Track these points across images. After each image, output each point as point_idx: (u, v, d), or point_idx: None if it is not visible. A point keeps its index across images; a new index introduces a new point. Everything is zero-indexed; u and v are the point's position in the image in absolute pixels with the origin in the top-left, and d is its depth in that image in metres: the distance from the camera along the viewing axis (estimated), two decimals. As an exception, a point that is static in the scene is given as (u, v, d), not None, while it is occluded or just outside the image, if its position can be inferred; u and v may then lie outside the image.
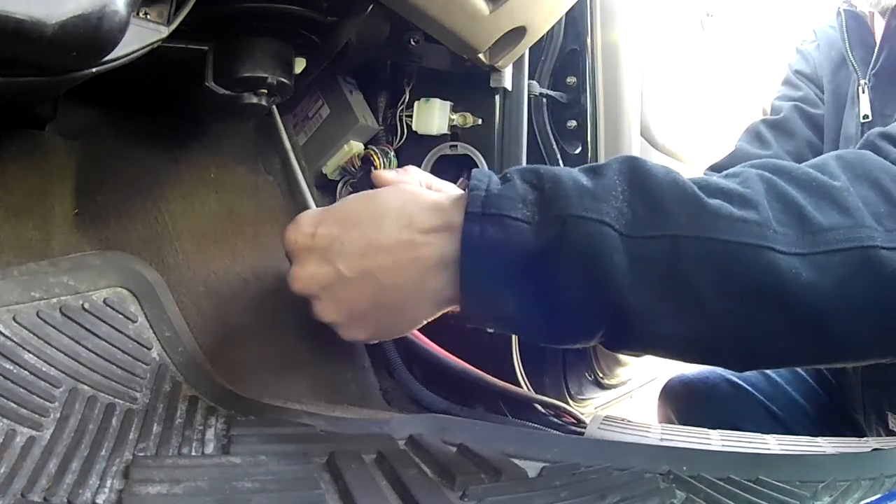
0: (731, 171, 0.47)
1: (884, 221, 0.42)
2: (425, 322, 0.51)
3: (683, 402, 1.03)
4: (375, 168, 0.86)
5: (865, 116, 0.86)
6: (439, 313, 0.51)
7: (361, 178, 0.89)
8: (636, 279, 0.42)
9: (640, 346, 0.46)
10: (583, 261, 0.42)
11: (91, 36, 0.40)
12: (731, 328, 0.43)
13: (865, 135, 0.51)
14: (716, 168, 0.97)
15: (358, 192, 0.89)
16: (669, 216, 0.42)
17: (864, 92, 0.87)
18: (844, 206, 0.42)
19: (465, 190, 0.47)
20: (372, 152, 0.87)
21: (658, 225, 0.42)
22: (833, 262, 0.41)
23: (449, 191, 0.60)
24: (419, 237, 0.47)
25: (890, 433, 0.85)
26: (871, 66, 0.86)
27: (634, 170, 0.44)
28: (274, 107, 0.69)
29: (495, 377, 0.82)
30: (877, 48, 0.86)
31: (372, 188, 0.55)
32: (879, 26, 0.86)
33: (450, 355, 0.80)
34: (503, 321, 0.47)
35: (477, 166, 0.85)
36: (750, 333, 0.43)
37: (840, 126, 0.92)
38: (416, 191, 0.50)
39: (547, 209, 0.43)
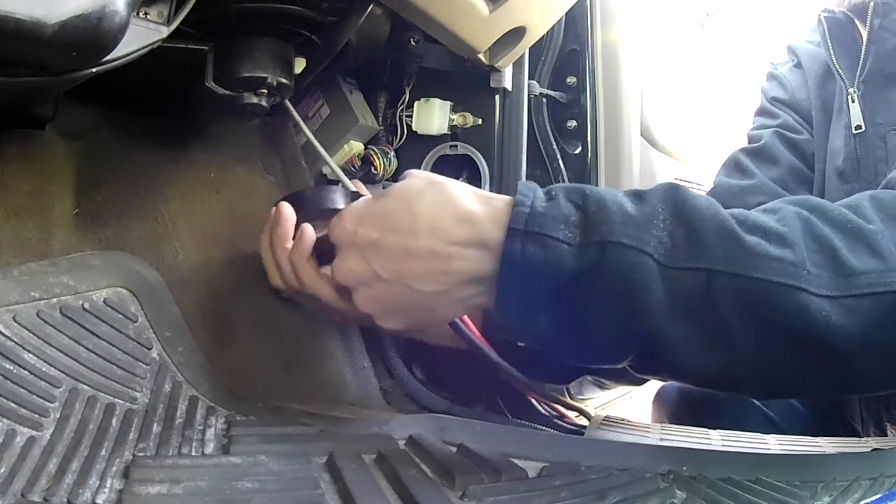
0: (768, 206, 0.48)
1: None
2: (458, 317, 0.54)
3: (678, 408, 1.02)
4: (376, 168, 0.86)
5: (857, 127, 0.83)
6: (471, 312, 0.53)
7: (361, 178, 0.89)
8: (670, 309, 0.42)
9: (666, 373, 0.48)
10: (620, 287, 0.43)
11: (91, 36, 0.40)
12: (758, 363, 0.44)
13: (886, 178, 0.51)
14: None
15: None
16: (707, 249, 0.43)
17: (853, 101, 0.83)
18: (878, 250, 0.43)
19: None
20: (372, 152, 0.87)
21: (695, 257, 0.42)
22: (863, 305, 0.42)
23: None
24: (452, 249, 0.47)
25: (889, 441, 0.85)
26: (858, 73, 0.83)
27: (678, 200, 0.45)
28: (287, 102, 0.69)
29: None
30: (863, 53, 0.82)
31: None
32: (864, 29, 0.83)
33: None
34: (533, 337, 0.48)
35: (477, 166, 0.85)
36: (776, 369, 0.44)
37: (828, 141, 0.88)
38: (454, 195, 0.49)
39: (589, 232, 0.43)
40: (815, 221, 0.45)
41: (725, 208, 0.44)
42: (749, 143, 0.97)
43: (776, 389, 0.47)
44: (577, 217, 0.44)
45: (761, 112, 0.99)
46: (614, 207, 0.44)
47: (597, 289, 0.43)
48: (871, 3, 0.79)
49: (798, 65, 0.96)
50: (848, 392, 0.50)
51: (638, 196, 0.45)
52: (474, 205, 0.48)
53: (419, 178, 0.51)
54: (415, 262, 0.48)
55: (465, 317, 0.64)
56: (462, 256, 0.47)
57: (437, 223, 0.48)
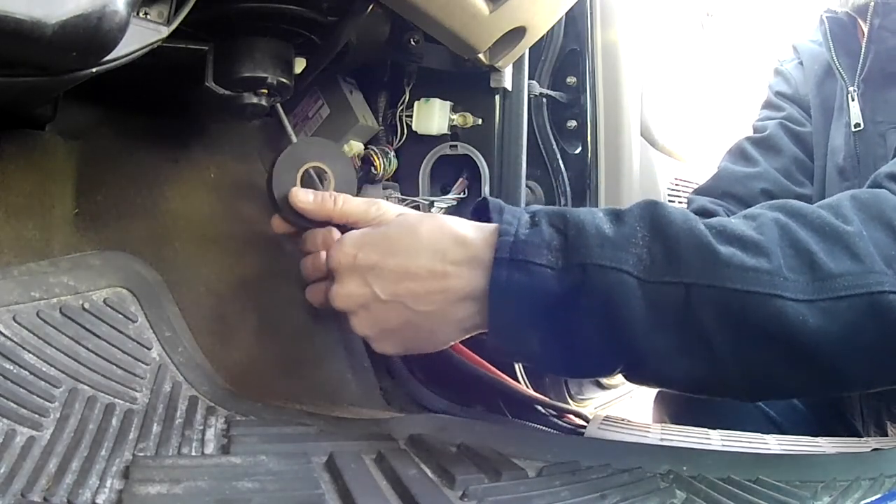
0: (748, 212, 0.49)
1: (894, 264, 0.43)
2: (453, 343, 0.54)
3: (680, 407, 1.02)
4: (376, 168, 0.86)
5: (857, 125, 0.84)
6: (466, 337, 0.53)
7: (361, 178, 0.89)
8: (652, 323, 0.44)
9: (654, 382, 0.50)
10: (602, 306, 0.45)
11: (91, 36, 0.40)
12: (741, 369, 0.45)
13: (872, 176, 0.52)
14: (701, 191, 0.95)
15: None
16: (684, 264, 0.44)
17: (853, 100, 0.85)
18: (855, 252, 0.44)
19: (463, 192, 0.49)
20: (372, 152, 0.87)
21: (673, 272, 0.44)
22: (840, 307, 0.43)
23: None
24: (450, 268, 0.49)
25: (890, 440, 0.85)
26: (858, 72, 0.84)
27: (655, 217, 0.46)
28: (279, 106, 0.69)
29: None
30: (863, 52, 0.83)
31: None
32: (865, 29, 0.84)
33: (472, 355, 0.79)
34: (527, 356, 0.51)
35: (477, 166, 0.85)
36: (759, 374, 0.46)
37: (828, 139, 0.90)
38: (450, 223, 0.52)
39: (570, 256, 0.46)
40: (793, 227, 0.46)
41: (730, 194, 0.46)
42: (754, 133, 0.99)
43: (763, 392, 0.49)
44: (559, 242, 0.46)
45: (767, 105, 1.01)
46: (592, 230, 0.46)
47: (581, 308, 0.45)
48: (872, 3, 0.80)
49: (802, 63, 0.98)
50: (833, 392, 0.51)
51: (617, 216, 0.48)
52: (468, 230, 0.51)
53: (414, 214, 0.55)
54: (414, 283, 0.50)
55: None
56: (458, 275, 0.49)
57: (435, 245, 0.50)
